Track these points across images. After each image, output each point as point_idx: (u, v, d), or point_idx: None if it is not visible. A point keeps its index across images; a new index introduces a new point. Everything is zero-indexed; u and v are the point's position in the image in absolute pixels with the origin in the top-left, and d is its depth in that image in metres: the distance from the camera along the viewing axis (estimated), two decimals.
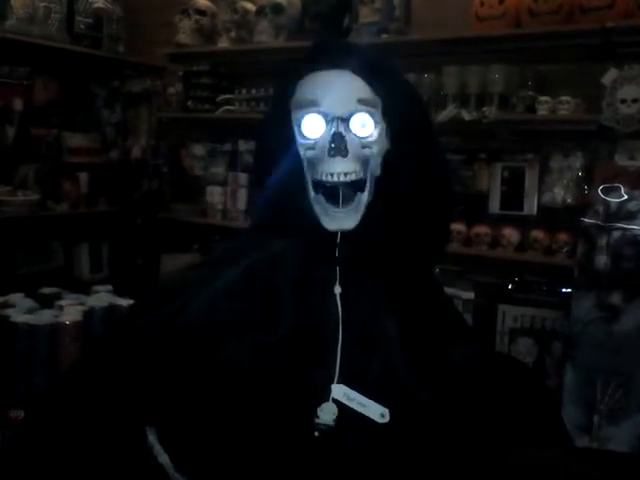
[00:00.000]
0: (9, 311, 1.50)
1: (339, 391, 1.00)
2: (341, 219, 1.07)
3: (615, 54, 2.78)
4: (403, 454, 0.98)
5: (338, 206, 1.07)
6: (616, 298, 2.45)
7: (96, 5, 4.11)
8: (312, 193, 1.08)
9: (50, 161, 4.04)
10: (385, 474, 0.97)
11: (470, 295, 3.06)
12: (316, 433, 0.97)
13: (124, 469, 1.04)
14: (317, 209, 1.08)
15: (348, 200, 1.08)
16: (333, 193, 1.07)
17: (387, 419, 0.98)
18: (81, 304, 1.56)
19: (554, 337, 2.89)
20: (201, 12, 4.00)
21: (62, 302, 1.57)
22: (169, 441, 1.02)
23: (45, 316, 1.48)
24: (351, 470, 0.96)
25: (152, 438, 1.03)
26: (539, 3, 2.91)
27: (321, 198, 1.08)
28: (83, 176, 4.20)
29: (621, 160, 2.65)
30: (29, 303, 1.58)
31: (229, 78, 4.05)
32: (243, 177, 3.87)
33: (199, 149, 4.11)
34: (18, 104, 3.84)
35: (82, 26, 4.06)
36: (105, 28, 4.18)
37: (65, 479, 1.03)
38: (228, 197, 3.94)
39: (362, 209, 1.08)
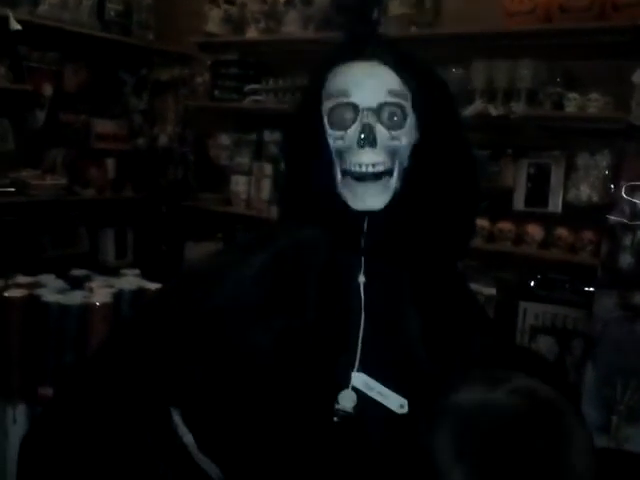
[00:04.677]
0: (41, 291, 1.54)
1: (359, 379, 1.01)
2: (368, 196, 1.07)
3: None
4: (420, 443, 1.00)
5: (366, 182, 1.07)
6: (639, 298, 2.43)
7: None
8: (339, 177, 1.09)
9: (78, 146, 4.10)
10: (402, 462, 0.99)
11: (492, 291, 3.06)
12: (335, 419, 0.99)
13: (149, 448, 1.06)
14: (344, 192, 1.09)
15: (376, 180, 1.08)
16: (361, 179, 1.08)
17: (406, 410, 0.99)
18: (110, 286, 1.59)
19: (575, 336, 2.88)
20: (230, 2, 4.03)
21: (92, 284, 1.60)
22: (193, 422, 1.04)
23: (76, 297, 1.51)
24: (369, 457, 0.98)
25: (177, 419, 1.05)
26: None
27: (349, 179, 1.08)
28: (110, 162, 4.25)
29: None
30: (60, 284, 1.61)
31: (257, 68, 4.06)
32: (268, 167, 3.89)
33: (225, 138, 4.14)
34: (48, 89, 3.90)
35: (112, 13, 4.10)
36: (135, 16, 4.23)
37: (91, 457, 1.05)
38: (252, 187, 3.96)
39: (390, 191, 1.08)
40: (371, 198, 1.07)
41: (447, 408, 0.91)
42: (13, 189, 3.63)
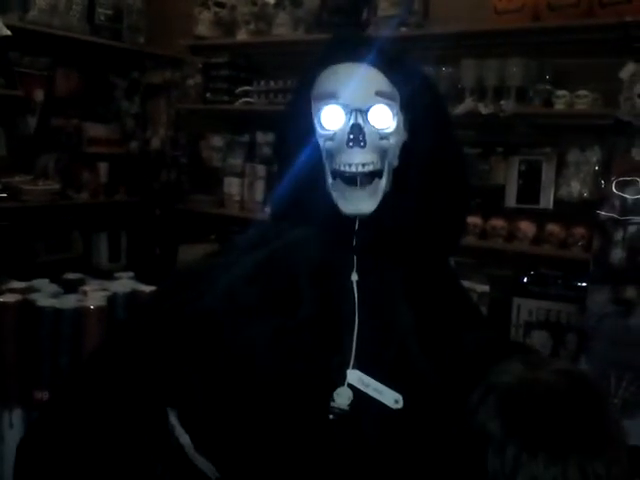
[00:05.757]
0: (35, 295, 1.54)
1: (354, 376, 1.02)
2: (358, 201, 1.09)
3: (633, 48, 2.76)
4: (416, 439, 1.01)
5: (356, 187, 1.09)
6: (631, 292, 2.45)
7: None
8: (330, 179, 1.11)
9: (70, 151, 4.09)
10: (398, 458, 1.00)
11: (485, 288, 3.07)
12: (331, 416, 1.00)
13: (146, 449, 1.07)
14: (335, 195, 1.10)
15: (366, 183, 1.10)
16: (351, 181, 1.09)
17: (401, 405, 1.01)
18: (104, 290, 1.60)
19: (569, 330, 2.90)
20: (220, 4, 4.03)
21: (86, 287, 1.61)
22: (189, 422, 1.05)
23: (70, 301, 1.52)
24: (364, 454, 0.99)
25: (173, 419, 1.06)
26: None
27: (339, 182, 1.10)
28: (103, 166, 4.25)
29: (638, 154, 2.64)
30: (54, 288, 1.62)
31: (248, 70, 4.07)
32: (261, 168, 3.90)
33: (217, 140, 4.15)
34: (39, 95, 3.89)
35: (102, 17, 4.10)
36: (125, 20, 4.23)
37: (88, 459, 1.06)
38: (245, 188, 3.97)
39: (380, 194, 1.10)
40: (361, 203, 1.09)
41: (494, 389, 0.96)
42: (5, 194, 3.63)
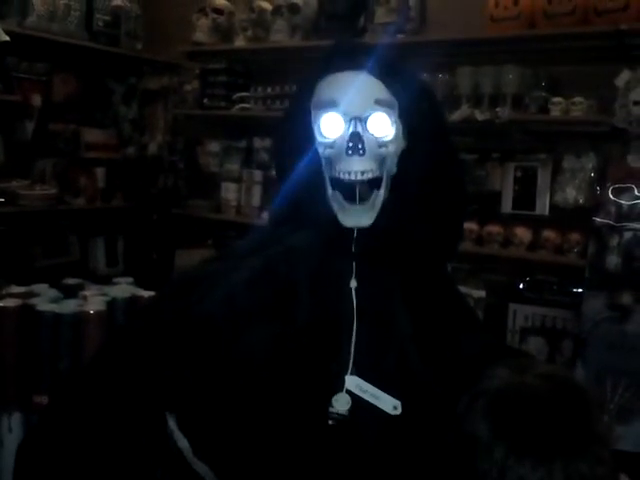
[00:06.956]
0: (35, 300, 1.55)
1: (352, 382, 1.03)
2: (358, 216, 1.10)
3: (628, 56, 2.79)
4: (415, 444, 1.02)
5: (355, 203, 1.10)
6: (627, 298, 2.46)
7: (114, 3, 4.16)
8: (330, 190, 1.11)
9: (68, 156, 4.10)
10: (396, 464, 1.01)
11: (481, 294, 3.07)
12: (330, 422, 1.01)
13: (145, 453, 1.08)
14: (334, 206, 1.11)
15: (365, 197, 1.10)
16: (350, 191, 1.10)
17: (399, 411, 1.02)
18: (104, 295, 1.60)
19: (565, 336, 2.90)
20: (218, 11, 4.03)
21: (86, 292, 1.61)
22: (188, 427, 1.05)
23: (70, 305, 1.52)
24: (363, 459, 1.00)
25: (172, 424, 1.06)
26: (553, 5, 2.92)
27: (338, 195, 1.11)
28: (100, 171, 4.26)
29: (633, 161, 2.65)
30: (54, 293, 1.62)
31: (245, 76, 4.08)
32: (258, 174, 3.91)
33: (215, 146, 4.15)
34: (37, 100, 3.89)
35: (100, 23, 4.11)
36: (123, 26, 4.23)
37: (88, 463, 1.06)
38: (242, 193, 3.98)
39: (378, 206, 1.11)
40: (360, 218, 1.10)
41: (482, 394, 0.98)
42: (3, 199, 3.63)
